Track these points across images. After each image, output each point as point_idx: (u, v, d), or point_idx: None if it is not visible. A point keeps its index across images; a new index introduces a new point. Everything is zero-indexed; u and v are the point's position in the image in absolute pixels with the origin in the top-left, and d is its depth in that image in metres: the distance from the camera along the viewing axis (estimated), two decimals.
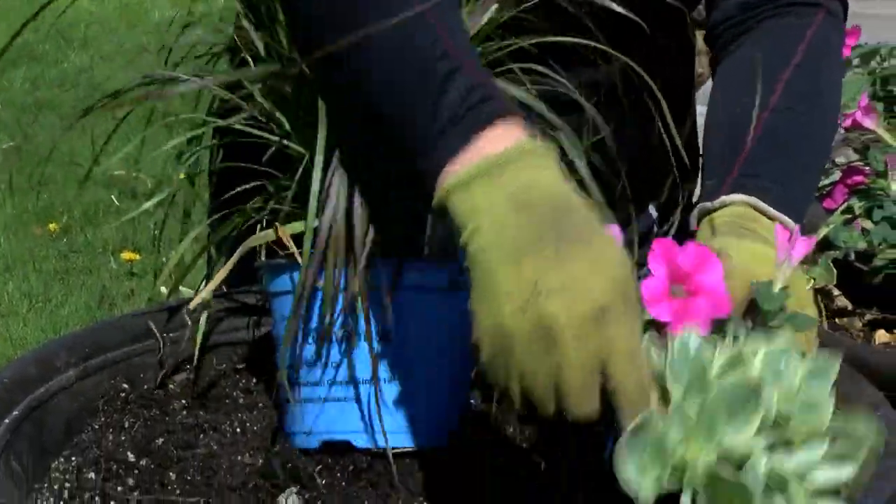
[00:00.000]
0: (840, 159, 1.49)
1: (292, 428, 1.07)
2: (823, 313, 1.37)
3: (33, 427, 1.07)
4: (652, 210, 1.56)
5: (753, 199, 1.12)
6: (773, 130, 1.15)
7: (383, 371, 1.03)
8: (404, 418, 1.04)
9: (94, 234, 4.34)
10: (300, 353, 1.04)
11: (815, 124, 1.19)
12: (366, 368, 1.03)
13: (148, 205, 1.14)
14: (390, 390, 1.03)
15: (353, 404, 1.03)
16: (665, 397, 0.86)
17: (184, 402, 1.15)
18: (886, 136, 1.42)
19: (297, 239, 1.04)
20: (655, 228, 1.57)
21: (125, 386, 1.15)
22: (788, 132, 1.17)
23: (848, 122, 1.44)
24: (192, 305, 1.10)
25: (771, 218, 1.11)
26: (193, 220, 1.17)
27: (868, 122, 1.43)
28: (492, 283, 0.87)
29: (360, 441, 1.03)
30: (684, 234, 1.63)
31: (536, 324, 0.84)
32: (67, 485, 1.03)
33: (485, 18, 1.06)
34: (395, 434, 1.03)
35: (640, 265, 1.57)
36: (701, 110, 1.68)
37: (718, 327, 0.93)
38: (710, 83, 1.58)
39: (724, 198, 1.13)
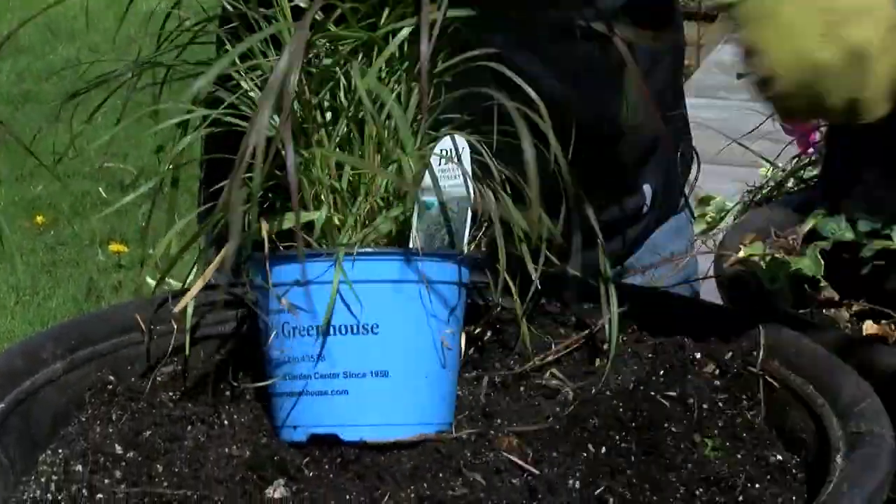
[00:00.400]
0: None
1: (279, 421, 1.07)
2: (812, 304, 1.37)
3: (20, 419, 1.07)
4: (647, 189, 1.57)
5: None
6: None
7: (370, 364, 1.03)
8: (392, 411, 1.04)
9: (82, 227, 4.34)
10: (285, 347, 1.04)
11: None
12: (352, 361, 1.03)
13: (132, 196, 1.13)
14: (377, 383, 1.03)
15: (340, 398, 1.03)
16: None
17: (171, 394, 1.15)
18: None
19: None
20: (646, 208, 1.58)
21: (112, 378, 1.15)
22: None
23: None
24: (177, 309, 1.10)
25: None
26: (181, 211, 1.16)
27: None
28: (782, 18, 0.97)
29: (348, 434, 1.03)
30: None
31: (846, 50, 0.96)
32: (55, 477, 1.03)
33: None
34: (382, 427, 1.03)
35: (636, 242, 1.58)
36: (691, 102, 1.69)
37: None
38: (697, 75, 1.58)
39: None
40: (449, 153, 1.06)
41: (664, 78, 1.56)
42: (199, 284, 1.06)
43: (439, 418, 1.07)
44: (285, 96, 0.92)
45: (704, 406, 1.10)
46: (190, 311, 1.14)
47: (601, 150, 1.13)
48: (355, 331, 1.03)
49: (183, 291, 1.13)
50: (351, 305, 1.02)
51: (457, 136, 1.07)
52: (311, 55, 1.07)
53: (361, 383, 1.03)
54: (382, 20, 1.09)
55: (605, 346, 1.19)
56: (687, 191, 1.67)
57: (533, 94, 1.07)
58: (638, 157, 1.52)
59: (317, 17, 1.11)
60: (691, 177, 1.65)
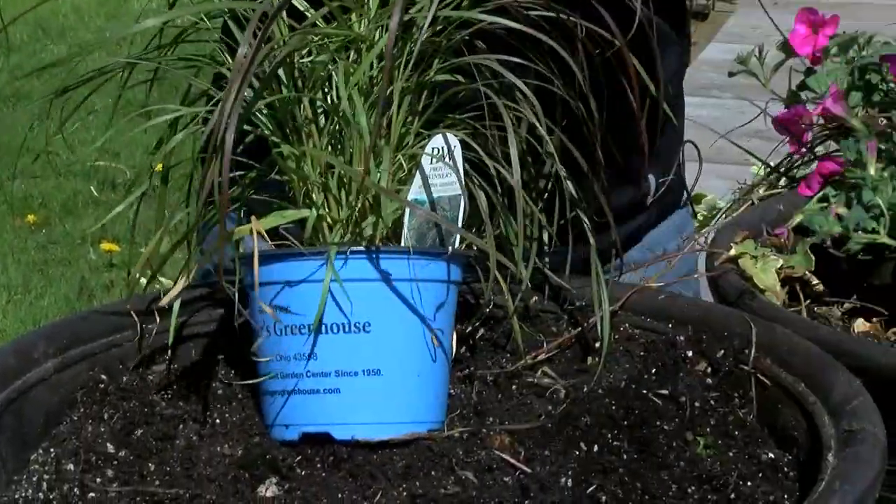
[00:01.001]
0: (819, 149, 1.50)
1: (271, 420, 1.07)
2: (803, 302, 1.37)
3: (12, 419, 1.06)
4: (651, 179, 1.57)
5: None
6: None
7: (361, 362, 1.03)
8: (383, 410, 1.04)
9: (74, 226, 4.33)
10: (277, 345, 1.04)
11: None
12: (343, 360, 1.03)
13: (129, 200, 1.13)
14: (369, 382, 1.03)
15: (332, 396, 1.03)
16: None
17: (163, 393, 1.15)
18: (857, 125, 1.42)
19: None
20: (650, 199, 1.58)
21: (104, 377, 1.14)
22: None
23: (818, 110, 1.45)
24: (163, 302, 1.09)
25: None
26: (172, 209, 1.16)
27: (837, 110, 1.43)
28: None
29: (339, 433, 1.03)
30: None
31: None
32: (47, 476, 1.03)
33: None
34: (374, 425, 1.03)
35: (636, 233, 1.59)
36: (688, 101, 1.69)
37: None
38: (689, 73, 1.58)
39: None
40: (441, 151, 1.06)
41: (673, 68, 1.57)
42: (182, 281, 1.06)
43: (431, 417, 1.06)
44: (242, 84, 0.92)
45: (696, 404, 1.10)
46: (176, 308, 1.14)
47: (613, 133, 1.13)
48: (347, 329, 1.03)
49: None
50: (342, 304, 1.02)
51: (448, 135, 1.07)
52: (302, 51, 1.07)
53: (353, 382, 1.03)
54: (373, 15, 1.08)
55: (597, 345, 1.19)
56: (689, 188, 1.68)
57: (527, 90, 1.07)
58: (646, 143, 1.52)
59: (307, 13, 1.11)
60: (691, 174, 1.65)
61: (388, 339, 1.04)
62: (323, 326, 1.02)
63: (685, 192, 1.67)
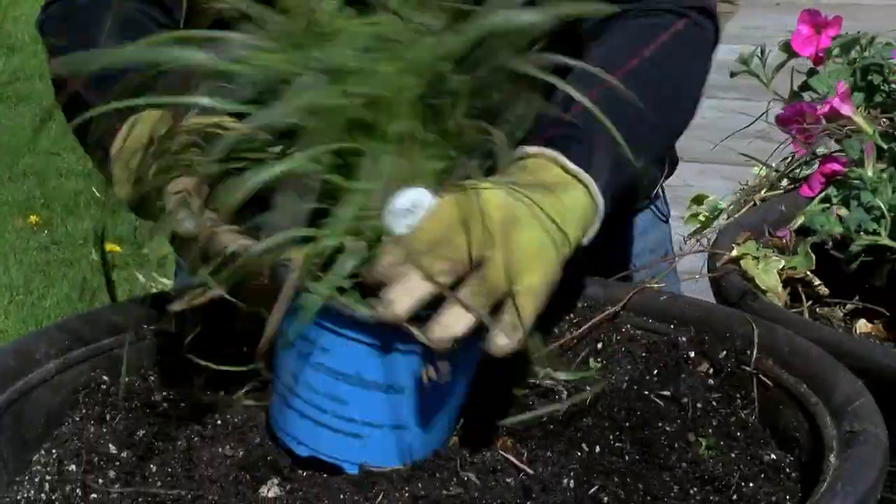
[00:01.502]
0: (820, 149, 1.49)
1: (283, 427, 1.05)
2: (805, 303, 1.37)
3: (13, 420, 1.06)
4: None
5: (550, 151, 1.11)
6: (598, 103, 1.14)
7: (391, 419, 1.01)
8: (403, 455, 1.02)
9: (76, 226, 4.33)
10: (307, 374, 1.01)
11: (644, 110, 1.19)
12: (373, 414, 1.01)
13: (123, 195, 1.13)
14: (393, 435, 1.02)
15: (352, 439, 1.01)
16: None
17: (164, 394, 1.15)
18: (863, 124, 1.42)
19: None
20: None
21: (105, 378, 1.15)
22: (612, 108, 1.16)
23: (825, 110, 1.44)
24: (174, 308, 1.08)
25: (567, 170, 1.10)
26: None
27: (845, 110, 1.43)
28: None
29: (351, 468, 1.02)
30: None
31: None
32: (48, 477, 1.03)
33: None
34: (386, 463, 1.02)
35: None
36: None
37: None
38: None
39: (525, 149, 1.12)
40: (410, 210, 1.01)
41: None
42: (204, 299, 1.03)
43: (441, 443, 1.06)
44: None
45: (698, 405, 1.10)
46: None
47: None
48: (385, 389, 1.00)
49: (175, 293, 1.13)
50: (382, 365, 1.00)
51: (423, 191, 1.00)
52: None
53: (378, 432, 1.01)
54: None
55: (600, 345, 1.19)
56: (659, 190, 1.68)
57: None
58: None
59: None
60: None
61: (422, 401, 1.01)
62: (360, 380, 1.01)
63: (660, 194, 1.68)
